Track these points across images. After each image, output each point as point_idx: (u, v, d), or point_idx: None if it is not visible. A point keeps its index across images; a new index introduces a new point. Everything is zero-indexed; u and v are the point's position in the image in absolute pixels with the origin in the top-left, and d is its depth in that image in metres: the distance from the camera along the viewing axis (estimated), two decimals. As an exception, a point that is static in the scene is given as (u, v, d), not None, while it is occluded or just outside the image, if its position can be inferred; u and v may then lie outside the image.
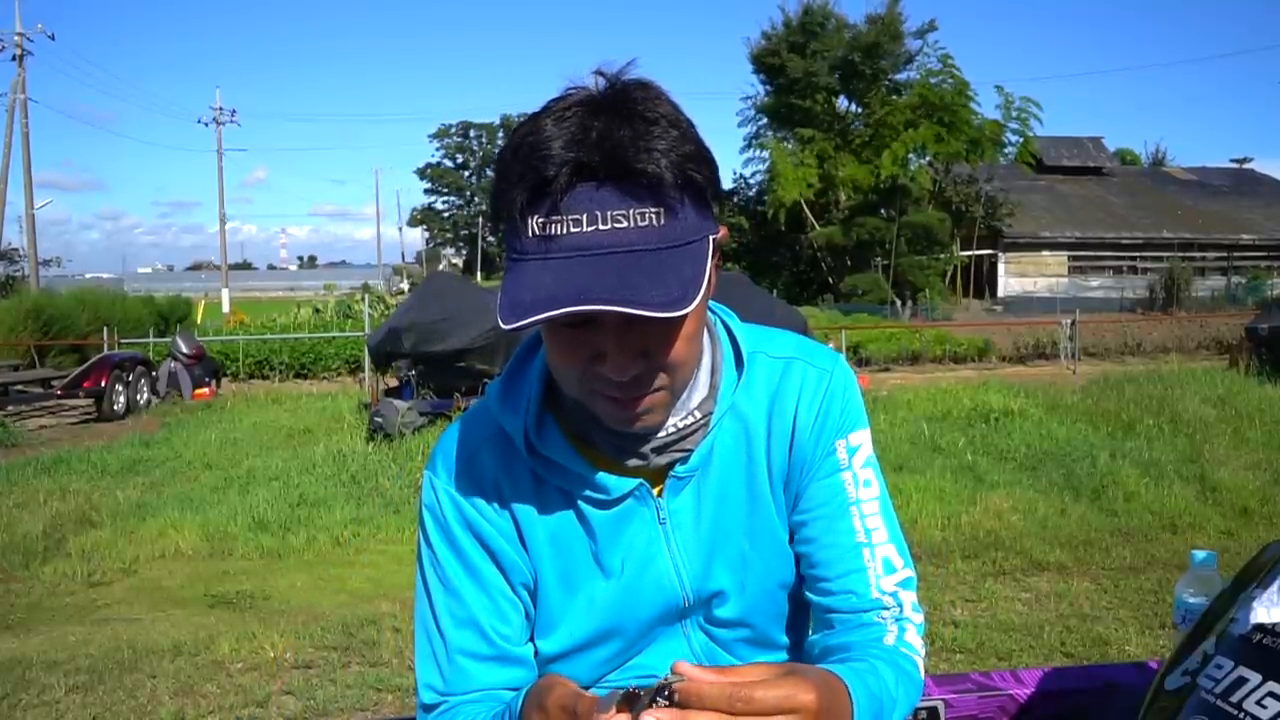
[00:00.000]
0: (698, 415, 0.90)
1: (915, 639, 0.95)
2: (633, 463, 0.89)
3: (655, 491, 0.92)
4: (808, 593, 0.97)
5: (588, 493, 0.91)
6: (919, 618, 0.97)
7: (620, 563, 0.92)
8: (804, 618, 1.01)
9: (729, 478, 0.94)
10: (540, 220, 0.76)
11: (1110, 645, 3.58)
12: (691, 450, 0.91)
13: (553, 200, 0.76)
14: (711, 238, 0.81)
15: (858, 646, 0.90)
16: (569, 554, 0.92)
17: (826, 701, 0.69)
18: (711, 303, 0.94)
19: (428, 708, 0.92)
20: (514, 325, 0.74)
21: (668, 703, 0.64)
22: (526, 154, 0.77)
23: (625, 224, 0.76)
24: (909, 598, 0.96)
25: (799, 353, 0.97)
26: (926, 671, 1.03)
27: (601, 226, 0.75)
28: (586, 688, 0.94)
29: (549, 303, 0.73)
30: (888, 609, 0.94)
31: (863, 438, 0.97)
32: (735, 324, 0.97)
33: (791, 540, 0.97)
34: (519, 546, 0.93)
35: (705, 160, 0.80)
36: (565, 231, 0.75)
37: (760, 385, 0.95)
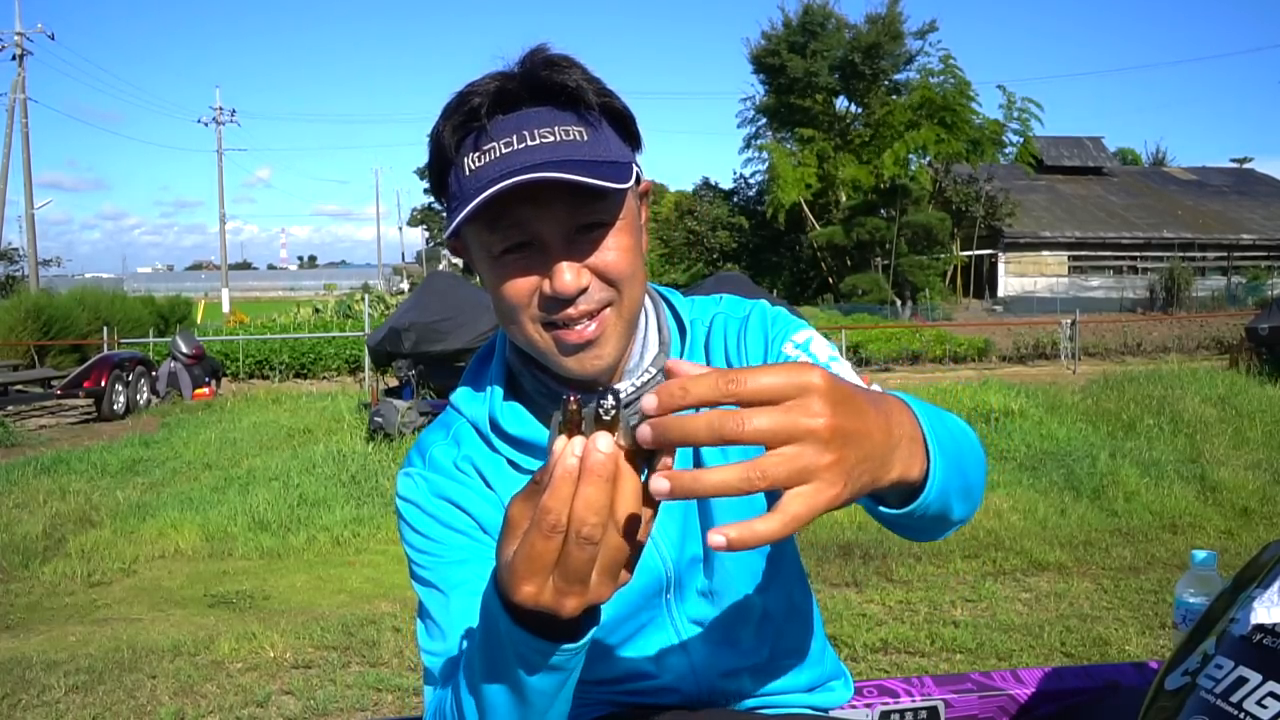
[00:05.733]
0: (653, 371, 0.92)
1: None
2: None
3: None
4: None
5: None
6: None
7: None
8: (780, 578, 1.01)
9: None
10: (473, 155, 0.81)
11: (1110, 645, 3.58)
12: None
13: (480, 130, 0.81)
14: (638, 174, 0.86)
15: None
16: None
17: (835, 383, 0.57)
18: (654, 284, 0.99)
19: (431, 675, 0.88)
20: (459, 219, 0.79)
21: (614, 407, 0.55)
22: (453, 103, 0.83)
23: (553, 139, 0.80)
24: None
25: (721, 308, 1.01)
26: (926, 672, 1.05)
27: (530, 143, 0.79)
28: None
29: (488, 190, 0.77)
30: None
31: (808, 334, 0.97)
32: (675, 297, 1.01)
33: None
34: (494, 530, 0.92)
35: (624, 106, 0.86)
36: (497, 155, 0.79)
37: (699, 350, 0.98)
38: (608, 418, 0.55)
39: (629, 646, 0.96)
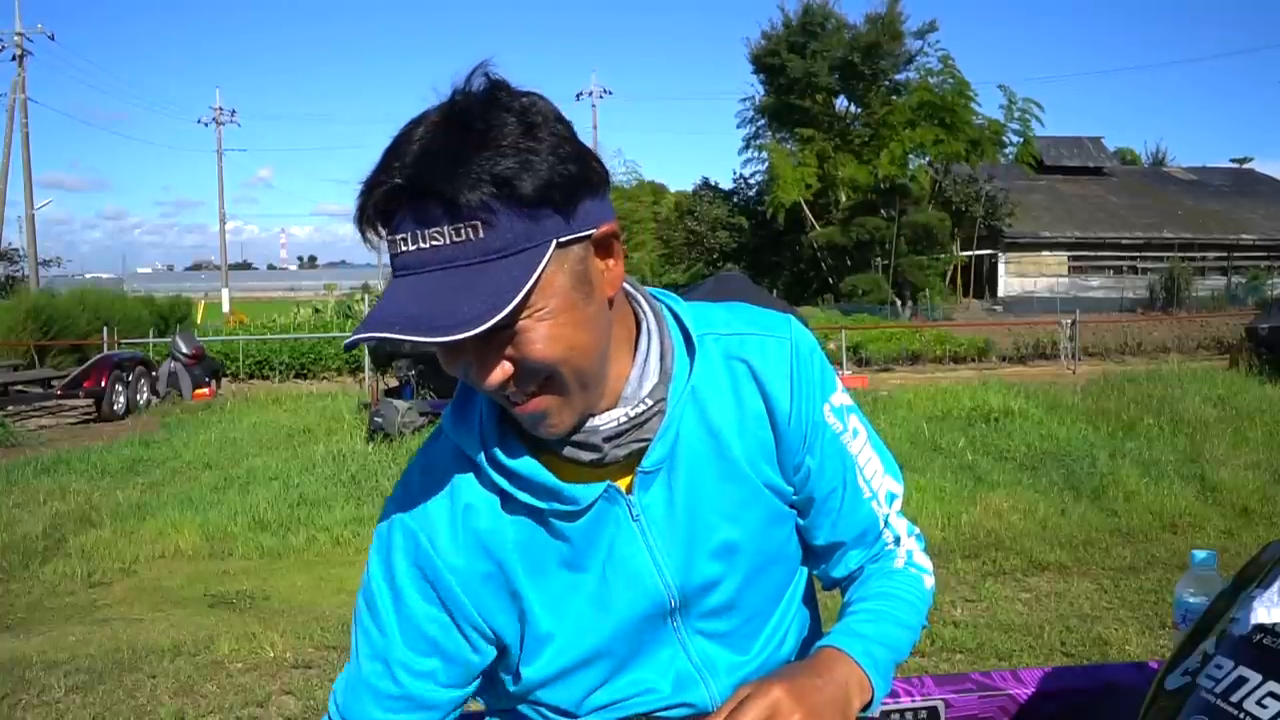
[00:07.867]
0: (649, 403, 0.87)
1: (922, 557, 1.02)
2: (589, 457, 0.86)
3: (624, 488, 0.89)
4: (824, 553, 1.01)
5: (555, 505, 0.87)
6: (918, 534, 1.04)
7: (600, 570, 0.90)
8: (790, 588, 1.01)
9: (697, 465, 0.91)
10: (386, 238, 0.79)
11: (1110, 645, 3.58)
12: (650, 438, 0.88)
13: (381, 220, 0.78)
14: (558, 241, 0.77)
15: (872, 576, 1.00)
16: (545, 572, 0.90)
17: (792, 680, 0.81)
18: (656, 290, 0.94)
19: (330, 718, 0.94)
20: (355, 338, 0.77)
21: None
22: (360, 193, 0.79)
23: (441, 241, 0.75)
24: (903, 524, 1.03)
25: (750, 326, 0.95)
26: (926, 672, 1.07)
27: (422, 245, 0.76)
28: (578, 708, 0.93)
29: (364, 328, 0.76)
30: (896, 538, 1.02)
31: (841, 394, 0.98)
32: (681, 308, 0.94)
33: (800, 512, 0.99)
34: (480, 580, 0.89)
35: (550, 163, 0.76)
36: (397, 251, 0.77)
37: (717, 365, 0.92)
38: None
39: (634, 666, 0.94)
